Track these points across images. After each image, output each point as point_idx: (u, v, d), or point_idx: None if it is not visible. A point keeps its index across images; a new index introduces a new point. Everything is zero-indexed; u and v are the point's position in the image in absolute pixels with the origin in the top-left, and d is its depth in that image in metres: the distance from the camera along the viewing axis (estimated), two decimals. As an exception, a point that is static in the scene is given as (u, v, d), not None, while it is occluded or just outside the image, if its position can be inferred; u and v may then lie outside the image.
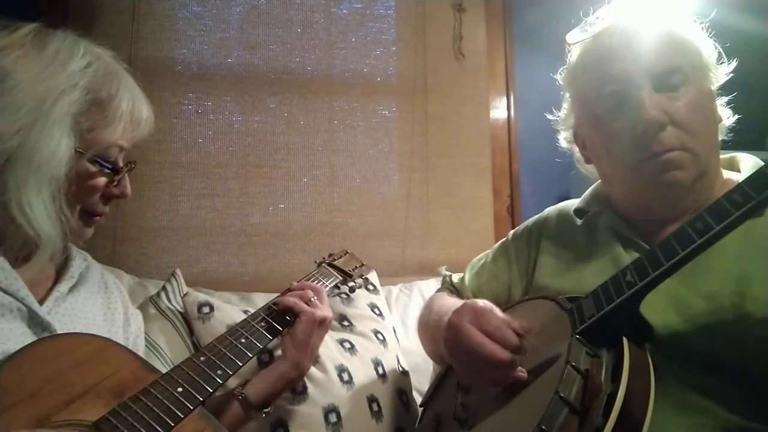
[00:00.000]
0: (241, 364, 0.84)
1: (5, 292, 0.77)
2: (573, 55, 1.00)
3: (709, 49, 0.91)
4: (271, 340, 0.94)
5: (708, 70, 0.90)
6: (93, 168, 0.84)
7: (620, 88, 0.87)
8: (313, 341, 1.01)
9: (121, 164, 0.89)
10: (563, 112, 1.07)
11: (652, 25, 0.89)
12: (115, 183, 0.89)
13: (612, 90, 0.89)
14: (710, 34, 0.93)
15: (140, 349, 1.00)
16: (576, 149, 1.07)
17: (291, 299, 1.03)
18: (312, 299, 1.04)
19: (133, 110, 0.88)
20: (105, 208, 0.90)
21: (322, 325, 1.03)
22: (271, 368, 1.01)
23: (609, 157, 0.94)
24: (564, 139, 1.09)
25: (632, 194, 0.93)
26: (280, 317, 1.01)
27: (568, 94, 1.04)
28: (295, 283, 1.12)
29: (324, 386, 1.14)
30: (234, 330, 0.92)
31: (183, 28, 1.84)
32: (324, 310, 1.04)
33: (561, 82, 1.04)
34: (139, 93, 0.91)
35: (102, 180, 0.86)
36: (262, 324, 0.97)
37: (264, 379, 0.99)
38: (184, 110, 1.81)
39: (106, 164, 0.85)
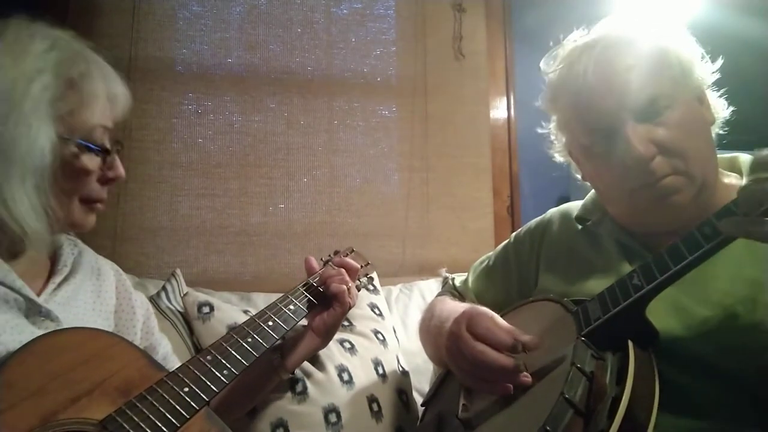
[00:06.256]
0: (247, 364, 0.83)
1: (0, 283, 0.76)
2: (550, 83, 0.96)
3: (688, 52, 0.86)
4: (278, 340, 0.94)
5: (690, 76, 0.86)
6: (80, 152, 0.81)
7: (603, 125, 0.85)
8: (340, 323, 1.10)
9: (108, 145, 0.85)
10: (552, 133, 1.03)
11: (625, 49, 0.84)
12: (107, 165, 0.86)
13: (595, 127, 0.87)
14: (708, 36, 0.89)
15: (154, 327, 1.03)
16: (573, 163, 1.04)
17: (342, 287, 1.05)
18: (349, 285, 1.07)
19: (108, 87, 0.85)
20: (103, 193, 0.87)
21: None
22: (305, 344, 1.07)
23: (602, 182, 0.93)
24: (557, 153, 1.05)
25: (630, 215, 0.92)
26: (308, 303, 1.03)
27: (553, 117, 1.01)
28: (336, 259, 1.18)
29: (324, 386, 1.15)
30: (241, 329, 0.92)
31: (183, 28, 1.84)
32: (354, 299, 1.10)
33: (543, 108, 1.00)
34: (110, 70, 0.87)
35: (93, 163, 0.83)
36: (269, 324, 0.96)
37: (299, 354, 1.07)
38: (184, 110, 1.81)
39: (94, 147, 0.82)
